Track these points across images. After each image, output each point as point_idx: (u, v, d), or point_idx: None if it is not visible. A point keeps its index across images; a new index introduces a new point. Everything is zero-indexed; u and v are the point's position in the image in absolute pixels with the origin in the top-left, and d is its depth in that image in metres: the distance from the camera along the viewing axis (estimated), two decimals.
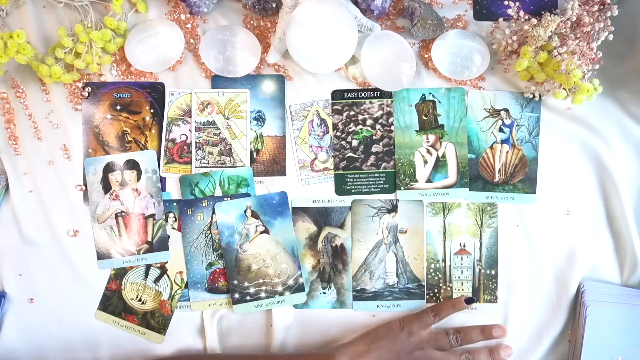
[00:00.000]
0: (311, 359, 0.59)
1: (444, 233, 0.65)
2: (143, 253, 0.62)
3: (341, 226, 0.64)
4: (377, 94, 0.66)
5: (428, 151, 0.65)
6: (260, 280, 0.63)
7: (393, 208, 0.65)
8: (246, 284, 0.62)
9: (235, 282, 0.62)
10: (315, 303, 0.63)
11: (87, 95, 0.64)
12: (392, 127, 0.66)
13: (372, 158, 0.65)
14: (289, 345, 0.63)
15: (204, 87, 0.65)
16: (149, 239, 0.63)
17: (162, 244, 0.63)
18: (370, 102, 0.66)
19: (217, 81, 0.65)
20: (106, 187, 0.63)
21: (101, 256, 0.62)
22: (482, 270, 0.65)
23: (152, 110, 0.64)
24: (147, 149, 0.64)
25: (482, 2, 0.68)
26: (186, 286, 0.63)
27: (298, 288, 0.63)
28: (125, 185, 0.63)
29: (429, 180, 0.65)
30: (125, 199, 0.63)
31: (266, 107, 0.65)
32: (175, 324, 0.62)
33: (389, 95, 0.66)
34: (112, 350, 0.62)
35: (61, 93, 0.64)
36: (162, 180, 0.64)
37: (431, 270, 0.64)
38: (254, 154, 0.65)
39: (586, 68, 0.60)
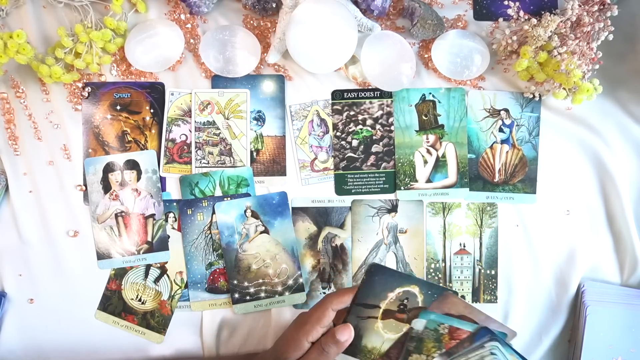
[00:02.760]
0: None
1: (444, 233, 0.65)
2: (143, 253, 0.62)
3: (341, 226, 0.64)
4: (377, 94, 0.66)
5: (428, 151, 0.65)
6: (260, 280, 0.63)
7: (393, 208, 0.65)
8: (246, 283, 0.62)
9: (235, 282, 0.62)
10: (315, 303, 0.63)
11: (87, 95, 0.64)
12: (392, 127, 0.66)
13: (372, 158, 0.65)
14: None
15: (204, 87, 0.65)
16: (149, 239, 0.63)
17: (162, 244, 0.63)
18: (370, 102, 0.66)
19: (217, 81, 0.65)
20: (106, 187, 0.63)
21: (101, 256, 0.62)
22: (482, 270, 0.65)
23: (152, 110, 0.64)
24: (147, 149, 0.64)
25: (482, 2, 0.68)
26: (186, 286, 0.63)
27: (298, 288, 0.63)
28: (125, 185, 0.63)
29: (429, 180, 0.65)
30: (125, 199, 0.63)
31: (266, 107, 0.65)
32: (175, 324, 0.62)
33: (389, 95, 0.66)
34: (112, 350, 0.62)
35: (61, 93, 0.64)
36: (162, 180, 0.64)
37: (431, 270, 0.64)
38: (254, 154, 0.65)
39: (586, 68, 0.60)
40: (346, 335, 0.46)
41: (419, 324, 0.46)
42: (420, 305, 0.47)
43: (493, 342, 0.43)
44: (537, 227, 0.65)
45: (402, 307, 0.49)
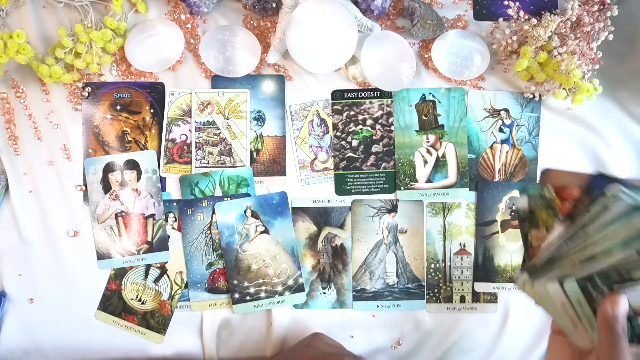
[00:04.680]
0: None
1: (444, 233, 0.65)
2: (143, 253, 0.62)
3: (341, 226, 0.64)
4: (377, 94, 0.66)
5: (428, 151, 0.65)
6: (260, 280, 0.63)
7: (393, 208, 0.65)
8: (246, 284, 0.62)
9: (235, 282, 0.62)
10: (315, 303, 0.63)
11: (87, 95, 0.64)
12: (392, 127, 0.66)
13: (372, 158, 0.65)
14: (288, 345, 0.63)
15: (204, 87, 0.65)
16: (149, 239, 0.63)
17: (162, 244, 0.63)
18: (370, 102, 0.66)
19: (217, 81, 0.65)
20: (106, 187, 0.63)
21: (101, 256, 0.62)
22: None
23: (152, 110, 0.64)
24: (147, 149, 0.64)
25: (482, 2, 0.68)
26: (186, 286, 0.63)
27: (298, 288, 0.63)
28: (125, 185, 0.63)
29: (429, 180, 0.65)
30: (125, 199, 0.63)
31: (266, 107, 0.65)
32: (175, 324, 0.62)
33: (389, 95, 0.66)
34: (112, 350, 0.62)
35: (61, 93, 0.64)
36: (162, 180, 0.64)
37: (431, 270, 0.64)
38: (254, 154, 0.65)
39: (586, 68, 0.60)
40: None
41: (520, 201, 0.40)
42: (526, 206, 0.41)
43: (613, 186, 0.35)
44: None
45: (512, 214, 0.56)
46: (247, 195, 0.64)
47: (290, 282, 0.63)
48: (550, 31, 0.60)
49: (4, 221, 0.62)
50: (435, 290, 0.64)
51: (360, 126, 0.65)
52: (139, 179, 0.63)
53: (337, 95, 0.66)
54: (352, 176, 0.65)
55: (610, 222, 0.35)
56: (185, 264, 0.63)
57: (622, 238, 0.34)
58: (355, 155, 0.65)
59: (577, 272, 0.36)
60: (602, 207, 0.35)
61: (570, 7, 0.60)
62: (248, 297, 0.62)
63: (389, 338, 0.64)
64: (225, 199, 0.63)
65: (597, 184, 0.36)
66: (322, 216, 0.64)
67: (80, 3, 0.63)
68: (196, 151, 0.64)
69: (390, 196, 0.65)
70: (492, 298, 0.64)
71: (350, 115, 0.65)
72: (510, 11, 0.64)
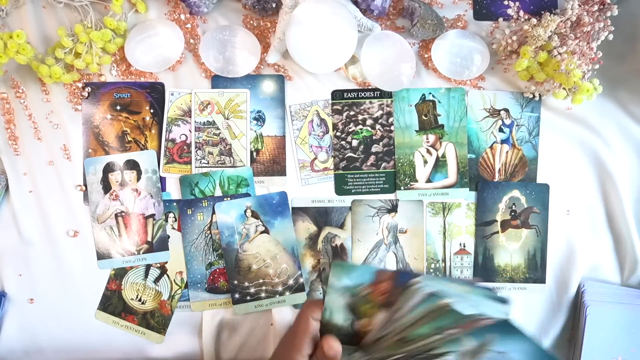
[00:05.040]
0: None
1: (444, 233, 0.65)
2: (143, 253, 0.62)
3: (341, 226, 0.64)
4: (377, 94, 0.66)
5: (428, 151, 0.65)
6: (261, 280, 0.63)
7: (393, 208, 0.65)
8: (246, 284, 0.62)
9: (236, 282, 0.62)
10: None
11: (87, 95, 0.64)
12: (392, 127, 0.66)
13: (372, 158, 0.65)
14: None
15: (204, 87, 0.65)
16: (149, 239, 0.63)
17: (162, 244, 0.63)
18: (370, 102, 0.66)
19: (217, 81, 0.65)
20: (106, 187, 0.63)
21: (101, 256, 0.62)
22: None
23: (152, 110, 0.64)
24: (147, 149, 0.64)
25: (482, 2, 0.68)
26: (186, 286, 0.63)
27: (298, 288, 0.63)
28: (125, 185, 0.63)
29: (428, 180, 0.65)
30: (125, 199, 0.63)
31: (266, 107, 0.65)
32: (175, 324, 0.62)
33: (389, 95, 0.66)
34: (112, 350, 0.62)
35: (61, 93, 0.64)
36: (162, 180, 0.64)
37: (431, 270, 0.64)
38: (254, 154, 0.65)
39: (586, 68, 0.60)
40: (332, 349, 0.44)
41: (345, 299, 0.45)
42: (525, 206, 0.54)
43: (415, 279, 0.42)
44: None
45: (513, 213, 0.59)
46: (247, 195, 0.64)
47: (291, 282, 0.63)
48: (550, 31, 0.60)
49: (4, 221, 0.62)
50: None
51: (360, 126, 0.65)
52: (139, 179, 0.63)
53: (337, 95, 0.66)
54: (352, 176, 0.65)
55: (413, 308, 0.41)
56: (185, 264, 0.63)
57: (428, 321, 0.40)
58: (355, 155, 0.65)
59: (397, 353, 0.43)
60: (407, 296, 0.41)
61: (570, 7, 0.60)
62: (248, 297, 0.62)
63: None
64: (225, 199, 0.63)
65: (403, 276, 0.42)
66: (322, 216, 0.64)
67: (80, 3, 0.63)
68: (196, 151, 0.64)
69: (390, 196, 0.65)
70: None
71: (350, 115, 0.65)
72: (510, 11, 0.64)
